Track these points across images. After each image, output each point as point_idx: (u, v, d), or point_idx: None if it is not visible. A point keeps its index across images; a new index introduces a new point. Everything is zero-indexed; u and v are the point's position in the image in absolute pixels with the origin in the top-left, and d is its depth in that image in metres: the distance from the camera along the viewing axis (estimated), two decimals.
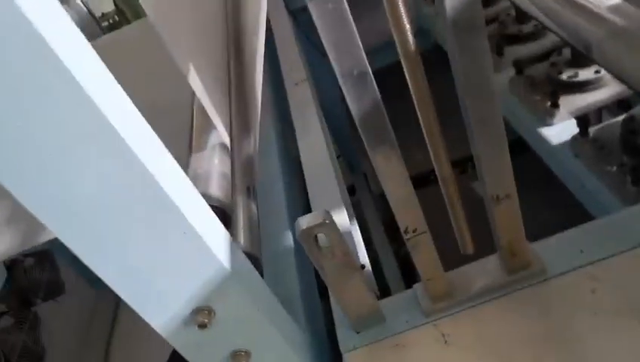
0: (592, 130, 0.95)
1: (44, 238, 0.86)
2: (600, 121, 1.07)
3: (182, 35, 0.72)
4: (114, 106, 0.39)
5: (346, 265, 0.55)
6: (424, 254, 0.55)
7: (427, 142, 0.49)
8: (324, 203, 0.80)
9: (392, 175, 0.48)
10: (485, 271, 0.60)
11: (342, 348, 0.61)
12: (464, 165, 1.34)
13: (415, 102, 0.46)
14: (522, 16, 1.17)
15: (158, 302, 0.50)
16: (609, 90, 1.00)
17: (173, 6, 0.72)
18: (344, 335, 0.62)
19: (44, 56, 0.34)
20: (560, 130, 1.00)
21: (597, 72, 0.99)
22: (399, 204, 0.50)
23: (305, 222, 0.52)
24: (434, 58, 1.50)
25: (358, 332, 0.62)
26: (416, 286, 0.62)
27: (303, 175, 1.09)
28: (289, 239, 0.82)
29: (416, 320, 0.60)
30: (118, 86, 0.42)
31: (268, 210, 0.84)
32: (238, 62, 0.80)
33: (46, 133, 0.37)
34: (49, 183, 0.39)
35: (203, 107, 0.75)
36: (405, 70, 0.45)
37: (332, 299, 0.66)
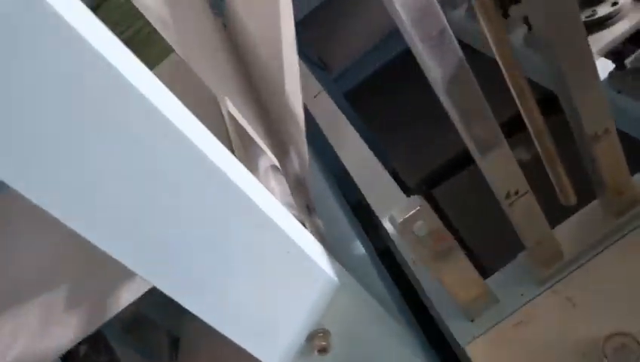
0: (626, 62, 0.91)
1: (100, 321, 0.82)
2: (624, 53, 1.03)
3: (210, 67, 0.69)
4: (203, 137, 0.36)
5: (447, 247, 0.51)
6: (529, 216, 0.51)
7: (516, 97, 0.45)
8: (387, 202, 0.76)
9: (487, 137, 0.44)
10: (591, 219, 0.55)
11: (460, 342, 0.57)
12: None
13: (500, 60, 0.43)
14: None
15: (271, 334, 0.46)
16: (630, 20, 0.97)
17: (195, 39, 0.70)
18: (459, 328, 0.58)
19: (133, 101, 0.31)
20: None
21: (614, 4, 0.96)
22: (497, 167, 0.46)
23: (401, 213, 0.48)
24: None
25: (472, 321, 0.57)
26: (520, 255, 0.58)
27: (339, 184, 1.06)
28: (359, 248, 0.78)
29: (532, 291, 0.56)
30: (198, 121, 0.39)
31: (327, 225, 0.80)
32: (265, 82, 0.78)
33: (140, 168, 0.34)
34: (144, 224, 0.36)
35: (244, 134, 0.72)
36: (486, 29, 0.41)
37: (434, 296, 0.62)
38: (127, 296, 0.81)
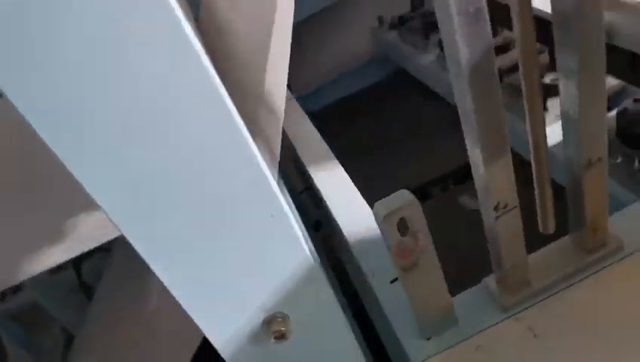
0: None
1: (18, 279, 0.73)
2: None
3: None
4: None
5: (427, 252, 0.48)
6: (512, 234, 0.49)
7: (526, 103, 0.44)
8: (349, 213, 0.73)
9: (497, 141, 0.43)
10: (562, 253, 0.55)
11: (412, 358, 0.54)
12: (445, 182, 1.32)
13: (520, 59, 0.42)
14: (494, 31, 1.20)
15: (230, 308, 0.41)
16: None
17: None
18: (412, 345, 0.55)
19: None
20: (552, 134, 1.00)
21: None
22: (497, 176, 0.45)
23: (387, 205, 0.45)
24: (397, 83, 1.52)
25: (428, 339, 0.55)
26: (486, 279, 0.56)
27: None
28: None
29: (494, 317, 0.54)
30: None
31: None
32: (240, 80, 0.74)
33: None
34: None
35: None
36: (514, 15, 0.41)
37: (389, 308, 0.59)
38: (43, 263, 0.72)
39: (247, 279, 0.40)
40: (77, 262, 1.15)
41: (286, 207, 0.38)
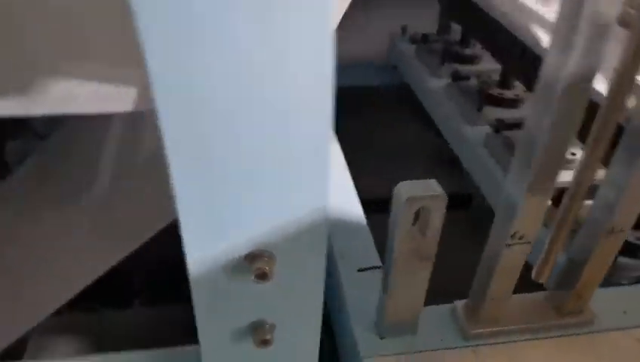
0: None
1: None
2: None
3: None
4: None
5: (428, 250, 0.45)
6: (511, 267, 0.48)
7: (589, 145, 0.43)
8: (335, 192, 0.70)
9: (552, 161, 0.41)
10: (538, 305, 0.54)
11: (362, 352, 0.51)
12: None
13: (609, 98, 0.40)
14: (507, 84, 1.20)
15: (225, 226, 0.36)
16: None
17: None
18: (365, 338, 0.52)
19: None
20: None
21: (573, 153, 1.03)
22: (531, 202, 0.43)
23: (413, 190, 0.42)
24: (403, 95, 1.50)
25: (382, 339, 0.52)
26: (457, 303, 0.55)
27: None
28: None
29: (453, 341, 0.52)
30: None
31: None
32: None
33: None
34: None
35: None
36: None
37: (352, 297, 0.56)
38: None
39: (257, 199, 0.35)
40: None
41: (328, 154, 0.34)
